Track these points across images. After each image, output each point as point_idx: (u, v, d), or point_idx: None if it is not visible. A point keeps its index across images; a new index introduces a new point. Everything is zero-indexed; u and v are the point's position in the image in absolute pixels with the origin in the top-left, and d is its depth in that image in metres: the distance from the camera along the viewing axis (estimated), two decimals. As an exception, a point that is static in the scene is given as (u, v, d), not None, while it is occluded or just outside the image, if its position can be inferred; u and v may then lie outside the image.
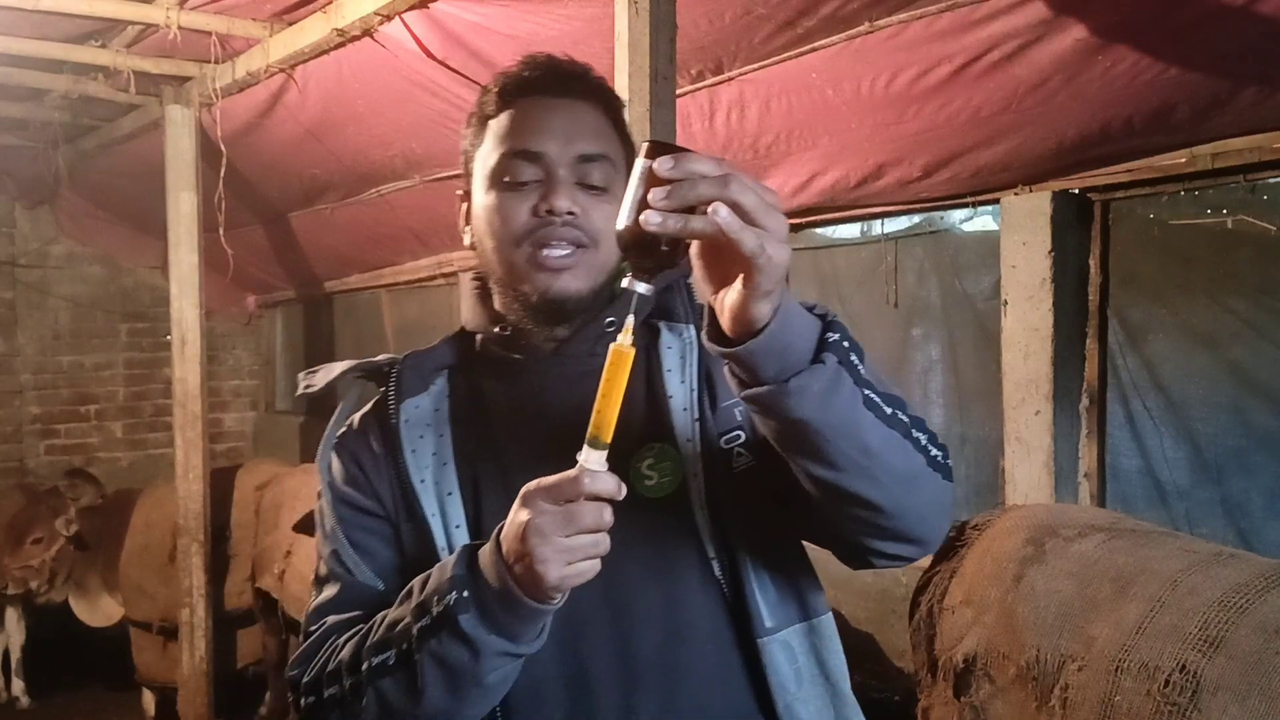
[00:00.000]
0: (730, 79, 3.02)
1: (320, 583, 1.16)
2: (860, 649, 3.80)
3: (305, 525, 3.82)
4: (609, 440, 0.92)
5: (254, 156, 4.54)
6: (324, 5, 3.32)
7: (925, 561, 2.41)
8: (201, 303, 4.42)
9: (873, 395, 0.95)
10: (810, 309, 0.94)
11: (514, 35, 2.97)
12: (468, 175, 1.19)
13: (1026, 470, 3.26)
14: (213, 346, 6.23)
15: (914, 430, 1.00)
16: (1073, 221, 3.22)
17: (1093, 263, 3.24)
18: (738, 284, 0.86)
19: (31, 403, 6.47)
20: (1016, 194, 3.22)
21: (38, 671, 5.28)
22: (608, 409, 0.91)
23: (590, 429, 0.92)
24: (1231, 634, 1.73)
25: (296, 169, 4.63)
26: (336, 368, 1.23)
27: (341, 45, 3.35)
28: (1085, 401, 3.26)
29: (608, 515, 0.91)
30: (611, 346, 0.92)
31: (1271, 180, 2.82)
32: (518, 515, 0.93)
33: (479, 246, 1.17)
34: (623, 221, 0.88)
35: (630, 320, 0.93)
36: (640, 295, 0.91)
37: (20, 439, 6.43)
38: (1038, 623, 2.02)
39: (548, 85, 1.14)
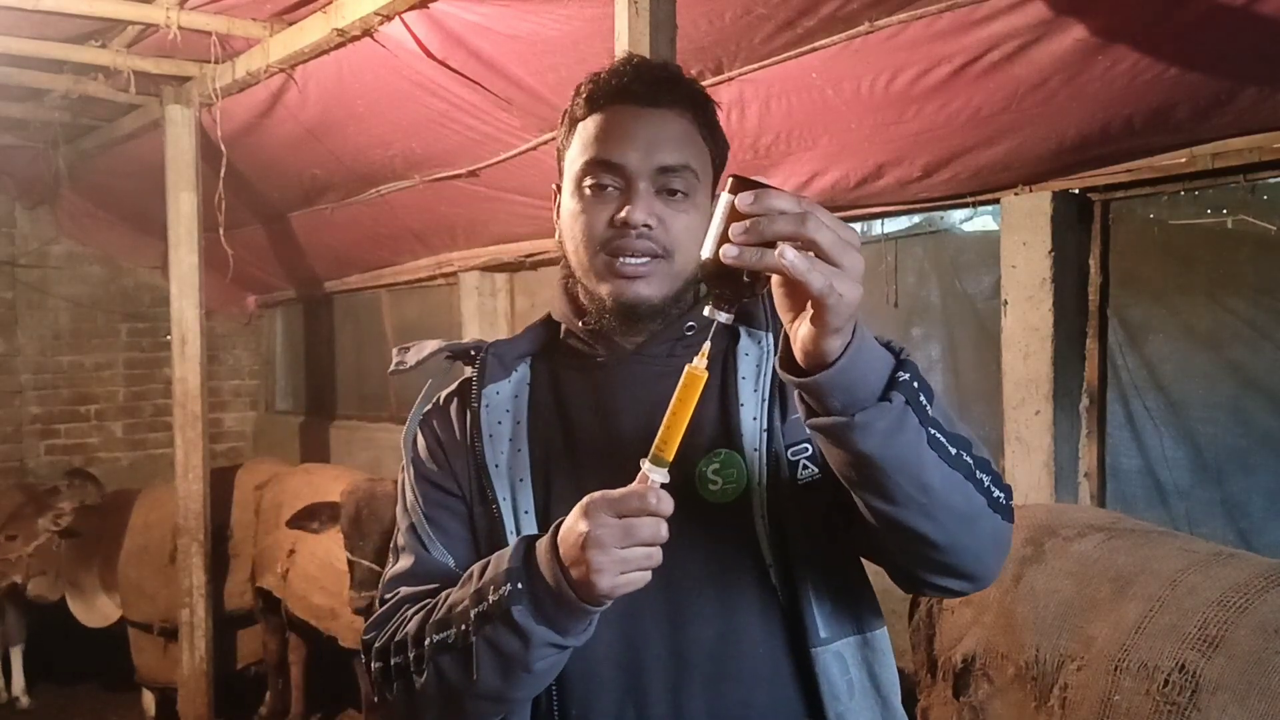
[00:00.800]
0: (730, 79, 3.02)
1: (397, 553, 1.22)
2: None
3: (298, 520, 3.81)
4: (671, 459, 0.95)
5: (254, 156, 4.55)
6: (324, 5, 3.32)
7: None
8: (201, 303, 4.42)
9: (938, 435, 0.97)
10: (886, 344, 0.97)
11: (514, 35, 2.97)
12: (560, 172, 1.23)
13: (1027, 470, 3.26)
14: (213, 346, 6.23)
15: (978, 471, 1.02)
16: (1073, 221, 3.22)
17: (1093, 263, 3.24)
18: (809, 317, 0.90)
19: (31, 403, 6.47)
20: (1016, 194, 3.22)
21: (37, 671, 5.29)
22: (675, 428, 0.95)
23: (655, 446, 0.95)
24: (1231, 634, 1.73)
25: (296, 169, 4.63)
26: (428, 346, 1.27)
27: (341, 45, 3.35)
28: (1085, 401, 3.26)
29: (663, 531, 0.95)
30: (686, 368, 0.95)
31: (1271, 180, 2.82)
32: (578, 524, 0.96)
33: (563, 245, 1.21)
34: (705, 252, 0.91)
35: (708, 346, 0.96)
36: (720, 324, 0.95)
37: (20, 439, 6.43)
38: (1037, 622, 2.02)
39: (635, 93, 1.16)
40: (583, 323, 1.20)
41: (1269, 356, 2.91)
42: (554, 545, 0.99)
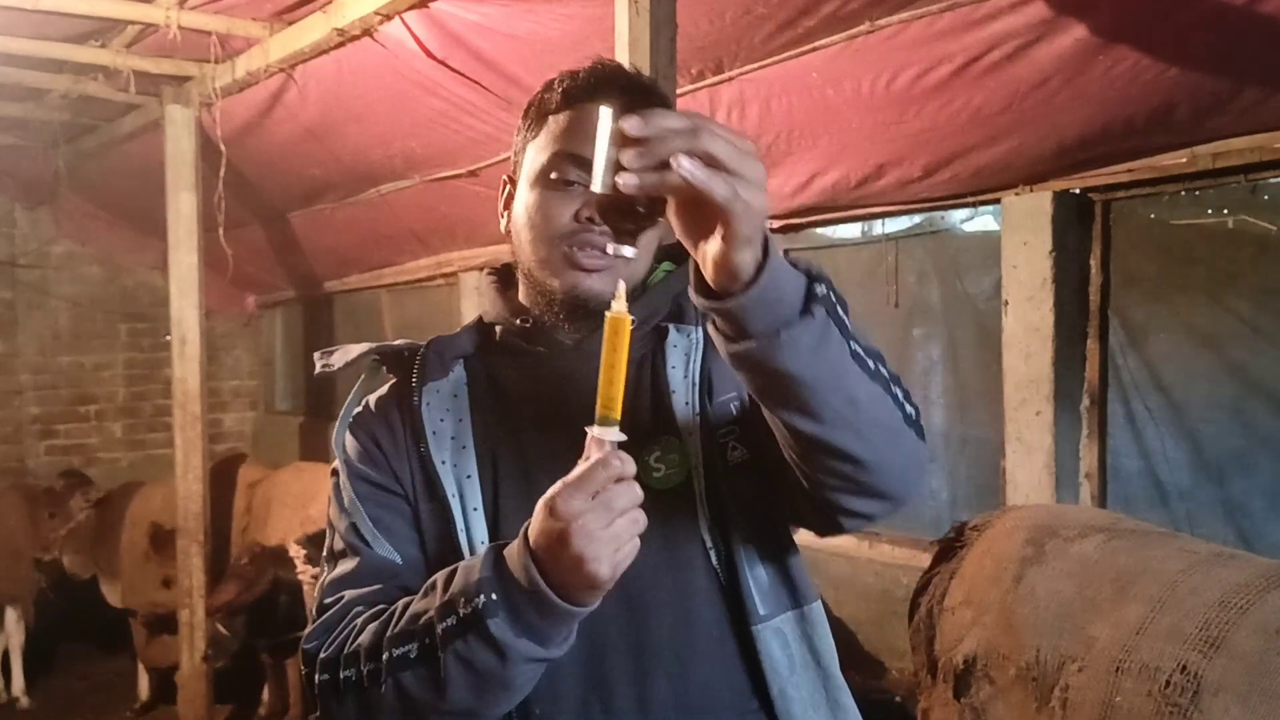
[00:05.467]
0: (730, 79, 3.01)
1: (335, 557, 1.16)
2: (860, 649, 3.80)
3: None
4: (619, 416, 0.92)
5: (254, 156, 4.54)
6: (324, 5, 3.31)
7: (925, 562, 2.41)
8: (201, 303, 4.42)
9: (857, 348, 0.96)
10: (794, 264, 0.93)
11: (514, 35, 2.97)
12: (516, 164, 1.21)
13: (1027, 471, 3.26)
14: (213, 346, 6.22)
15: (892, 385, 1.01)
16: (1074, 221, 3.22)
17: (1093, 263, 3.24)
18: (718, 234, 0.86)
19: (31, 403, 6.46)
20: (1017, 194, 3.22)
21: (37, 671, 5.30)
22: (615, 382, 0.91)
23: (599, 407, 0.92)
24: (1232, 634, 1.72)
25: (296, 169, 4.63)
26: (354, 350, 1.24)
27: (341, 45, 3.35)
28: (1086, 402, 3.25)
29: (638, 491, 0.91)
30: (608, 316, 0.92)
31: (1272, 180, 2.82)
32: (551, 524, 0.91)
33: (515, 236, 1.19)
34: (596, 186, 0.88)
35: (622, 287, 0.94)
36: (629, 260, 0.93)
37: (20, 439, 6.42)
38: (1038, 623, 2.01)
39: (611, 95, 1.13)
40: (520, 321, 1.19)
41: (1270, 357, 2.91)
42: (526, 549, 0.94)
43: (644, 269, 1.17)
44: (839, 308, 0.94)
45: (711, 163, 0.83)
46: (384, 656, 1.01)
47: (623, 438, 0.91)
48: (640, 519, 0.92)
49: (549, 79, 1.19)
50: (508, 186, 1.23)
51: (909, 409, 1.03)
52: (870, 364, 0.97)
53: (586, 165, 1.09)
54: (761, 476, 1.12)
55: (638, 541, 0.92)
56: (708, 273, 0.89)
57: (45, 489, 5.33)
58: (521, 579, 0.94)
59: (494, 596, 0.95)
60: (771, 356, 0.90)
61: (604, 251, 1.11)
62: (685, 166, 0.82)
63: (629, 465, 0.91)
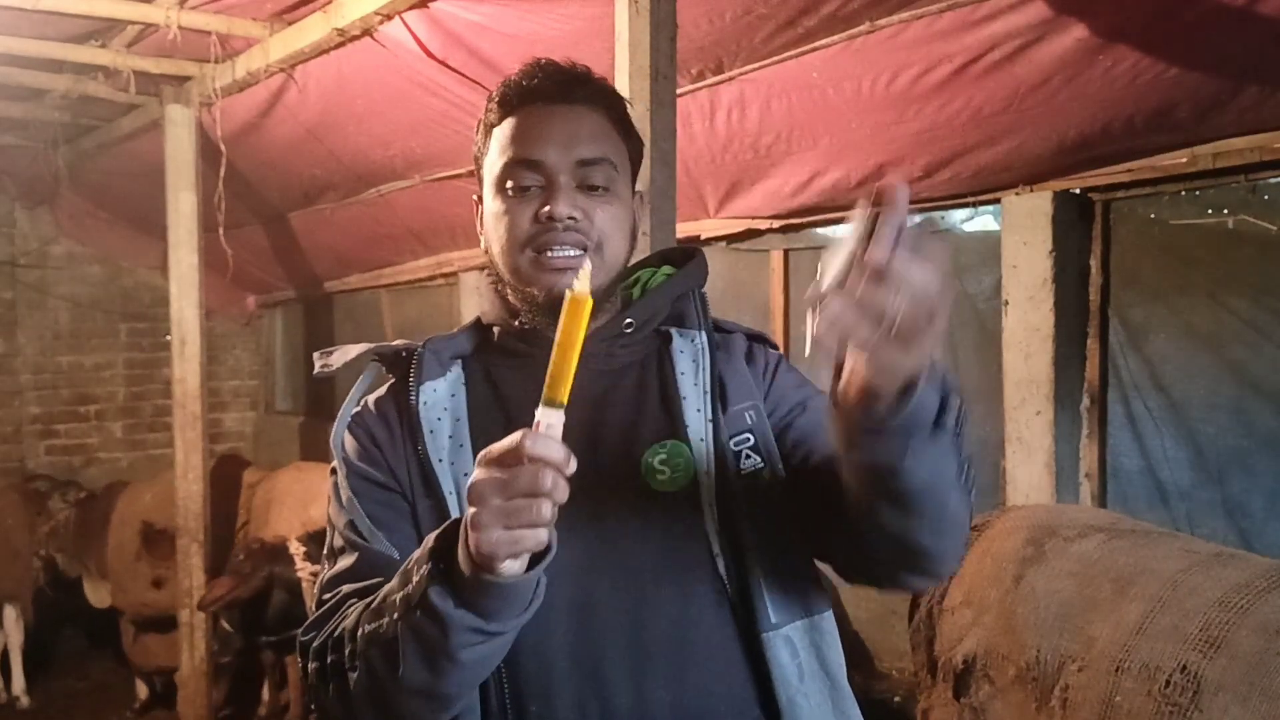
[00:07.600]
0: (731, 79, 3.01)
1: (334, 555, 1.16)
2: (860, 649, 3.80)
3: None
4: (565, 400, 0.89)
5: (254, 156, 4.54)
6: (324, 5, 3.31)
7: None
8: (201, 303, 4.41)
9: (964, 459, 0.98)
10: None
11: (514, 35, 2.96)
12: (479, 181, 1.22)
13: (1027, 471, 3.26)
14: (213, 346, 6.22)
15: (968, 482, 1.03)
16: (1074, 221, 3.22)
17: (1094, 263, 3.24)
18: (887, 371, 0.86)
19: (31, 403, 6.46)
20: (1017, 194, 3.22)
21: (37, 671, 5.30)
22: (565, 364, 0.89)
23: (546, 389, 0.89)
24: (1232, 634, 1.72)
25: (296, 169, 4.63)
26: (353, 350, 1.25)
27: (341, 45, 3.35)
28: (1086, 402, 3.25)
29: (548, 480, 0.86)
30: (569, 295, 0.90)
31: (1272, 180, 2.82)
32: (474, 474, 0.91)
33: (489, 252, 1.21)
34: (826, 284, 0.81)
35: (588, 266, 0.94)
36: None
37: (20, 439, 6.42)
38: (1038, 623, 2.01)
39: (547, 92, 1.16)
40: (518, 322, 1.19)
41: (1270, 357, 2.91)
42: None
43: (623, 252, 1.18)
44: (962, 424, 0.94)
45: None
46: (358, 634, 1.01)
47: (559, 419, 0.88)
48: (545, 514, 0.86)
49: (489, 93, 1.20)
50: (479, 206, 1.24)
51: (972, 493, 1.05)
52: (966, 471, 1.00)
53: (537, 167, 1.13)
54: (775, 485, 1.12)
55: (542, 536, 0.88)
56: (850, 389, 0.88)
57: (34, 489, 5.36)
58: (459, 548, 0.92)
59: (440, 566, 0.93)
60: (894, 464, 0.91)
61: (570, 246, 1.12)
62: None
63: (540, 448, 0.86)
